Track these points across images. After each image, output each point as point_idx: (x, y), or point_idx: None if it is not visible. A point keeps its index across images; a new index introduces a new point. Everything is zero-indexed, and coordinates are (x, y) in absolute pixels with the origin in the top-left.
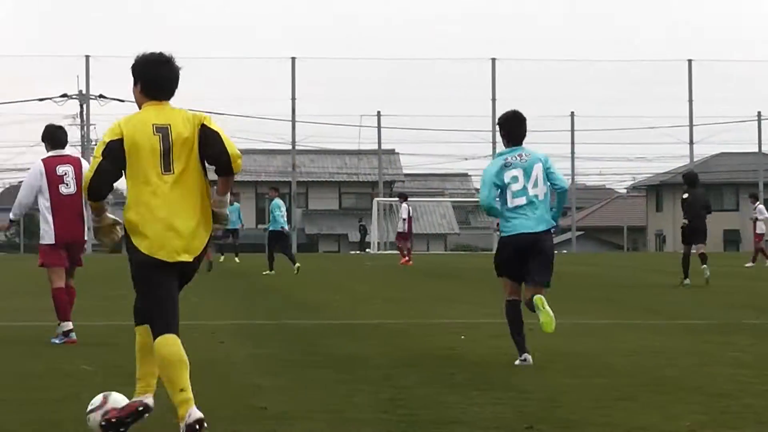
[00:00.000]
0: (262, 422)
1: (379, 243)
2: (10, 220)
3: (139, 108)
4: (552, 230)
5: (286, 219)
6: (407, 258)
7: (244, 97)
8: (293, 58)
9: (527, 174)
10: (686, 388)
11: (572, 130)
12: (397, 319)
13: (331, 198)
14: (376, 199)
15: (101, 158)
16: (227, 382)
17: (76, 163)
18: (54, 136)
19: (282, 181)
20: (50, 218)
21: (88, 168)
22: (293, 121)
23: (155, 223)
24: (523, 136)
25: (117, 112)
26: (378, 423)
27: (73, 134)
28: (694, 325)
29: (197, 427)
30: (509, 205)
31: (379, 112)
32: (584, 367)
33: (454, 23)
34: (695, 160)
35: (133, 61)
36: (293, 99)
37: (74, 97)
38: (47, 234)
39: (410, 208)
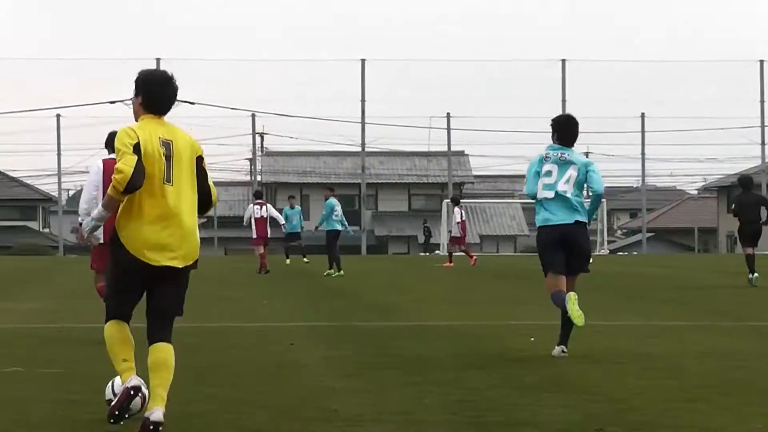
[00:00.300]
0: (334, 424)
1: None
2: (79, 224)
3: (136, 118)
4: (584, 224)
5: (341, 218)
6: (473, 258)
7: (313, 98)
8: (363, 60)
9: (561, 171)
10: (757, 390)
11: (642, 132)
12: (466, 320)
13: (400, 200)
14: (445, 200)
15: (136, 156)
16: (299, 384)
17: None
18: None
19: (351, 183)
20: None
21: (122, 164)
22: (363, 123)
23: (147, 225)
24: (574, 139)
25: (186, 114)
26: (447, 425)
27: None
28: (764, 327)
29: (151, 428)
30: (538, 196)
31: (448, 114)
32: (655, 368)
33: (522, 25)
34: (767, 160)
35: (137, 75)
36: (363, 101)
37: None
38: (101, 235)
39: (462, 211)
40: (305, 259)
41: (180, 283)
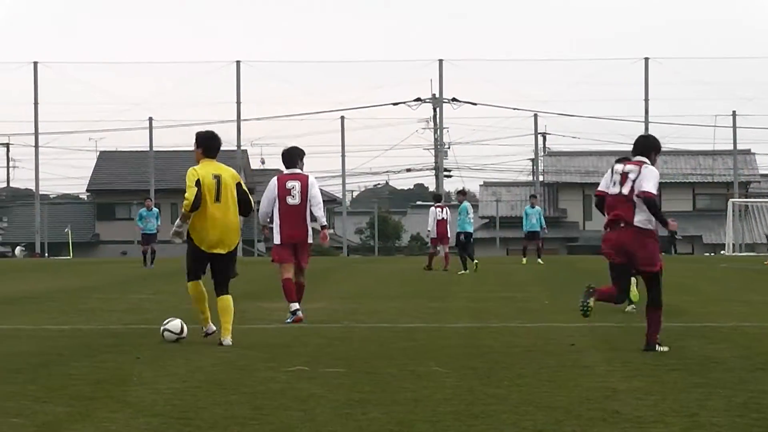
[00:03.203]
0: (616, 426)
1: (734, 245)
2: (263, 227)
3: (197, 161)
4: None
5: (471, 221)
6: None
7: (596, 98)
8: (646, 59)
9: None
10: None
11: None
12: (755, 322)
13: (684, 199)
14: (731, 200)
15: (197, 188)
16: (579, 385)
17: (303, 180)
18: (289, 156)
19: None
20: (279, 223)
21: (188, 194)
22: (646, 122)
23: (206, 229)
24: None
25: (469, 115)
26: (732, 427)
27: (427, 137)
28: None
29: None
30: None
31: (734, 112)
32: None
33: None
34: None
35: (196, 135)
36: (646, 99)
37: (427, 101)
38: (276, 236)
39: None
40: (539, 260)
41: (226, 261)
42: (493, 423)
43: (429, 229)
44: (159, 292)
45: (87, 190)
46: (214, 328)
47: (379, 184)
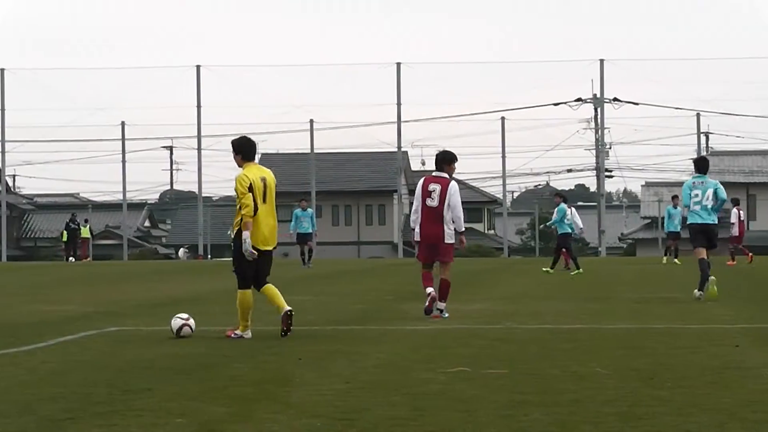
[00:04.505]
0: None
1: None
2: (412, 229)
3: (239, 164)
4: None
5: (570, 222)
6: (733, 261)
7: (764, 97)
8: None
9: (703, 192)
10: None
11: None
12: None
13: None
14: None
15: (251, 194)
16: (743, 387)
17: (444, 185)
18: (437, 160)
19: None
20: (420, 222)
21: (246, 201)
22: None
23: (258, 227)
24: (706, 170)
25: (631, 115)
26: None
27: (588, 137)
28: None
29: (289, 314)
30: (691, 207)
31: None
32: None
33: None
34: None
35: (232, 142)
36: None
37: (588, 101)
38: (416, 233)
39: (740, 212)
40: (676, 260)
41: (269, 259)
42: (656, 425)
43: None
44: (321, 294)
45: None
46: (251, 335)
47: (539, 184)
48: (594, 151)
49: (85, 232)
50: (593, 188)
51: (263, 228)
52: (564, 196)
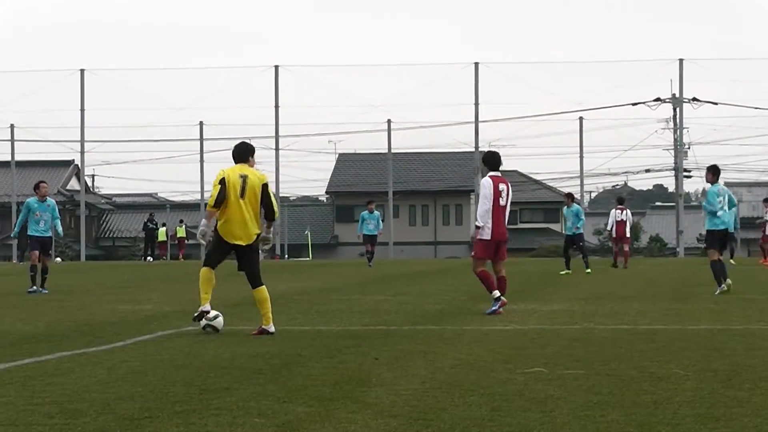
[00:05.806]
0: None
1: None
2: (477, 227)
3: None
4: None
5: (581, 224)
6: (766, 259)
7: None
8: None
9: (726, 198)
10: None
11: None
12: None
13: None
14: None
15: (220, 186)
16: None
17: (508, 184)
18: (492, 160)
19: None
20: (490, 221)
21: (212, 192)
22: None
23: (230, 222)
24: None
25: (710, 115)
26: None
27: (666, 137)
28: None
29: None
30: (717, 213)
31: None
32: None
33: None
34: None
35: (232, 148)
36: None
37: (667, 100)
38: (486, 232)
39: None
40: (731, 261)
41: (249, 254)
42: (734, 427)
43: (608, 228)
44: (399, 294)
45: (326, 192)
46: (209, 309)
47: (617, 184)
48: (672, 151)
49: (161, 235)
50: (672, 188)
51: (232, 223)
52: (573, 197)
